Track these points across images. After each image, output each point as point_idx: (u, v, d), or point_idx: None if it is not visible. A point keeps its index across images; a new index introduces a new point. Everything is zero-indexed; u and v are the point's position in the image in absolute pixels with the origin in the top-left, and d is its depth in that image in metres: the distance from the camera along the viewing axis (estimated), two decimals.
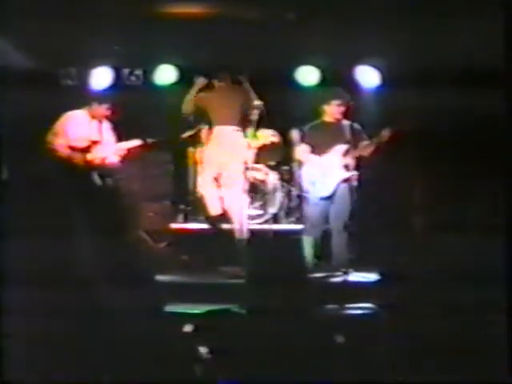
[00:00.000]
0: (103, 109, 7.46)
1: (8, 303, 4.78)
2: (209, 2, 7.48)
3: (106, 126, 7.54)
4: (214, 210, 7.78)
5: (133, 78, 8.76)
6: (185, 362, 4.66)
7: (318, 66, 8.70)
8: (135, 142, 7.54)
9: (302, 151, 7.54)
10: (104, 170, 7.40)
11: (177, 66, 8.78)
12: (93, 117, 7.47)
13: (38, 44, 7.54)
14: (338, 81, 8.27)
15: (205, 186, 7.84)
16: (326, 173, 7.34)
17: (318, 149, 7.43)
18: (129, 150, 7.55)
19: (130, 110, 7.84)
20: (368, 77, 8.71)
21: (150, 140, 7.57)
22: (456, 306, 4.94)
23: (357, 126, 7.49)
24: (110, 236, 6.23)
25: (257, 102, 7.48)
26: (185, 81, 8.68)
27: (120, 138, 7.61)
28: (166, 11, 7.53)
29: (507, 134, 5.07)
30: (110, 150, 7.47)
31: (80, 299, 4.92)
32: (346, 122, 7.46)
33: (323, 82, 8.65)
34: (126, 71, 8.76)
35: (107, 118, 7.52)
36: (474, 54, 6.91)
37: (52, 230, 5.93)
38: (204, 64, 8.17)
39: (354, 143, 7.39)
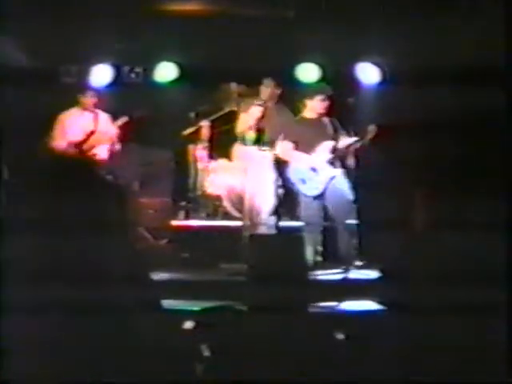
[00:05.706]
0: (88, 97, 7.83)
1: (8, 303, 4.79)
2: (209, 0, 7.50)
3: (104, 116, 7.84)
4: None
5: (133, 75, 8.75)
6: (185, 359, 4.66)
7: (318, 63, 8.69)
8: (123, 119, 7.81)
9: (285, 148, 7.47)
10: (104, 167, 7.42)
11: (177, 63, 8.77)
12: (84, 109, 7.84)
13: (38, 42, 7.55)
14: (338, 78, 8.26)
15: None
16: (314, 171, 7.29)
17: (302, 145, 7.34)
18: (120, 129, 7.82)
19: (129, 107, 7.87)
20: (368, 74, 8.70)
21: (136, 114, 7.78)
22: (456, 304, 4.94)
23: (336, 122, 7.43)
24: (110, 233, 6.23)
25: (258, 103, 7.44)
26: (185, 78, 8.68)
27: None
28: (166, 8, 7.55)
29: (508, 132, 5.07)
30: (104, 136, 7.75)
31: (80, 297, 4.92)
32: (326, 118, 7.40)
33: (323, 78, 8.64)
34: (126, 68, 8.75)
35: (96, 105, 7.84)
36: (475, 52, 6.92)
37: (51, 227, 5.93)
38: (203, 61, 8.17)
39: (335, 139, 7.35)
